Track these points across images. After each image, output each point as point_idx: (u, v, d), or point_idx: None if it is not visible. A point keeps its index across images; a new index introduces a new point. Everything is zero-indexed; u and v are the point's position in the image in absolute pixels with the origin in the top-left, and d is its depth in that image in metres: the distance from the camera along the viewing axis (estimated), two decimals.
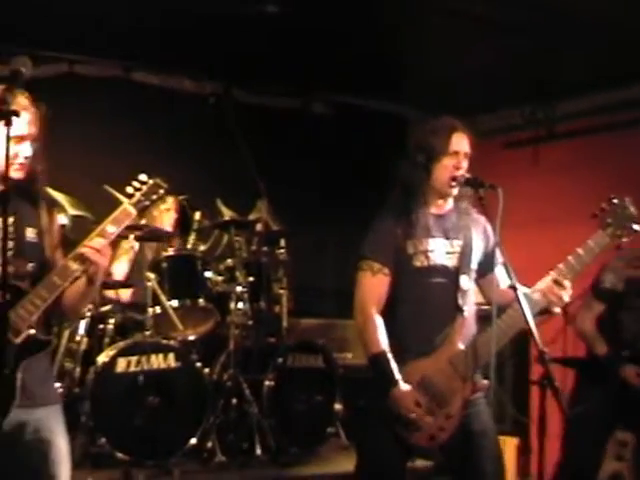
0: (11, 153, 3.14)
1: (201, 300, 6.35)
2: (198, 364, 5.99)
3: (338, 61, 7.48)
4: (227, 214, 7.08)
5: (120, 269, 6.80)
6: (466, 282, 4.02)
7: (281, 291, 6.77)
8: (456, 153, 4.02)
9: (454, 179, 4.01)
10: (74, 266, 3.22)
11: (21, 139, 3.23)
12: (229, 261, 6.74)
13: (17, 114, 2.95)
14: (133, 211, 3.36)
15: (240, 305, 6.46)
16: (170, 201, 6.88)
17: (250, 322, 6.54)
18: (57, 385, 5.98)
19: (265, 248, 7.05)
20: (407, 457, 4.08)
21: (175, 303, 6.27)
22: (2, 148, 3.08)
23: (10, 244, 3.20)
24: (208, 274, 6.49)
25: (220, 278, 6.60)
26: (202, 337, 6.50)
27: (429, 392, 3.85)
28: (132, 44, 7.24)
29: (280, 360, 6.33)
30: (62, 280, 3.21)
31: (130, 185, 3.42)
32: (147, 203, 3.42)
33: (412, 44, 7.38)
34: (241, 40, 7.11)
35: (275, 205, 7.93)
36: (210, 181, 7.99)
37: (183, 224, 7.05)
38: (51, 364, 3.54)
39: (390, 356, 3.85)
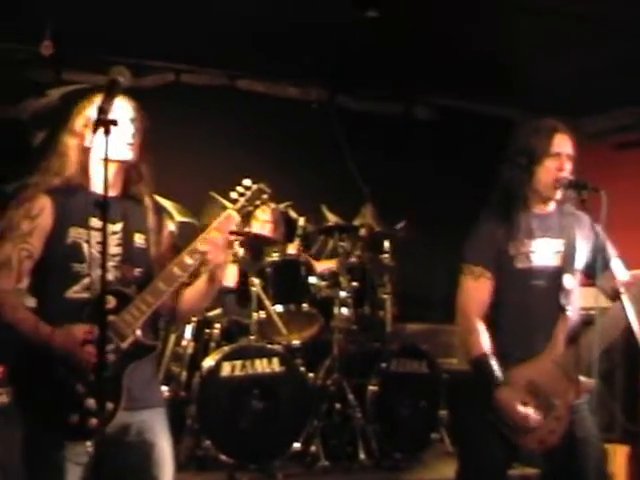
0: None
1: (305, 305, 6.35)
2: (302, 369, 6.01)
3: (441, 65, 7.42)
4: (332, 219, 7.10)
5: (229, 276, 6.88)
6: (570, 281, 3.94)
7: (385, 296, 6.74)
8: (558, 155, 3.95)
9: (557, 181, 3.94)
10: (178, 272, 3.26)
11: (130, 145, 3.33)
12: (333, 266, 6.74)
13: (115, 123, 3.00)
14: (237, 216, 3.40)
15: (344, 310, 6.46)
16: (268, 212, 6.92)
17: (354, 327, 6.53)
18: (164, 389, 6.13)
19: (369, 253, 7.02)
20: (511, 464, 4.03)
21: (279, 308, 6.30)
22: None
23: (118, 250, 3.32)
24: (312, 279, 6.50)
25: (324, 283, 6.60)
26: (306, 342, 6.51)
27: (537, 395, 3.80)
28: (237, 53, 7.33)
29: (384, 365, 6.29)
30: (167, 285, 3.25)
31: (234, 190, 3.45)
32: (251, 208, 3.44)
33: (517, 45, 7.27)
34: (344, 46, 7.13)
35: (380, 210, 7.92)
36: (315, 187, 8.02)
37: (288, 230, 7.08)
38: (157, 368, 3.59)
39: (493, 358, 3.82)
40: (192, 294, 3.46)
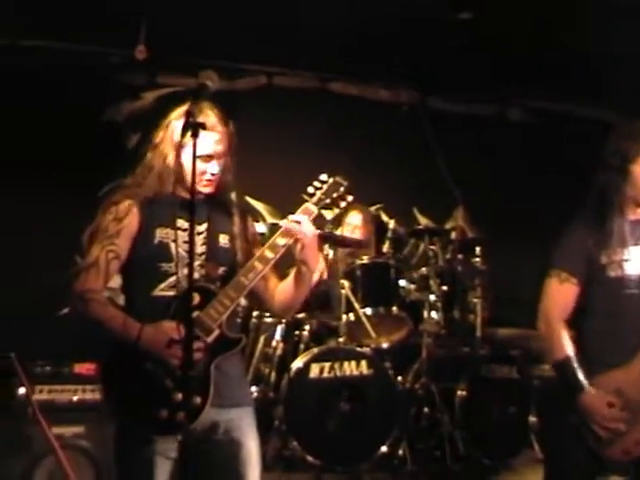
0: (198, 171, 3.27)
1: (394, 308, 6.35)
2: (390, 372, 5.99)
3: (534, 66, 7.32)
4: (423, 222, 7.06)
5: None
6: None
7: (476, 300, 6.66)
8: None
9: None
10: (260, 266, 3.30)
11: (209, 158, 3.36)
12: (423, 269, 6.70)
13: (204, 126, 3.04)
14: (314, 209, 3.43)
15: (433, 314, 6.43)
16: (359, 216, 6.91)
17: (443, 331, 6.49)
18: (253, 389, 6.19)
19: (460, 256, 6.96)
20: (600, 473, 3.94)
21: (369, 311, 6.30)
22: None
23: (203, 249, 3.38)
24: (402, 282, 6.48)
25: (413, 286, 6.57)
26: (395, 345, 6.50)
27: (624, 404, 3.70)
28: (329, 56, 7.35)
29: (473, 370, 6.24)
30: (249, 280, 3.30)
31: (311, 185, 3.49)
32: (328, 201, 3.48)
33: (614, 46, 7.12)
34: (436, 48, 7.09)
35: (472, 213, 7.86)
36: (407, 189, 8.01)
37: (378, 232, 7.07)
38: (245, 367, 3.63)
39: (576, 361, 3.75)
40: (283, 291, 3.51)
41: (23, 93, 6.78)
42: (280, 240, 3.33)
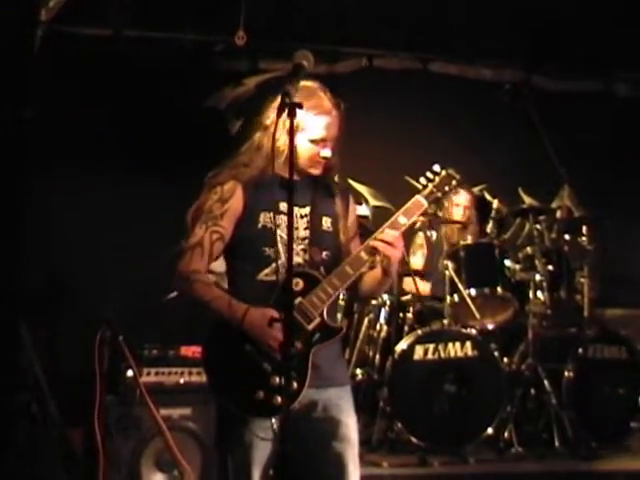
0: (311, 153, 3.32)
1: (499, 289, 6.26)
2: (496, 353, 5.95)
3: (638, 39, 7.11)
4: (528, 202, 6.97)
5: (417, 261, 6.91)
6: None
7: (583, 280, 6.53)
8: None
9: None
10: (366, 257, 3.29)
11: (322, 141, 3.33)
12: (528, 249, 6.60)
13: (301, 106, 3.01)
14: (425, 203, 3.37)
15: (539, 294, 6.33)
16: (462, 195, 6.85)
17: (549, 311, 6.37)
18: (357, 371, 6.22)
19: (567, 236, 6.84)
20: None
21: (473, 292, 6.24)
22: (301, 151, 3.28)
23: (306, 233, 3.36)
24: (507, 262, 6.40)
25: (519, 266, 6.48)
26: (500, 326, 6.43)
27: None
28: (429, 36, 7.31)
29: (581, 351, 6.13)
30: (354, 270, 3.28)
31: (423, 176, 3.42)
32: (439, 195, 3.42)
33: None
34: (539, 25, 6.98)
35: (580, 192, 7.71)
36: (511, 169, 7.92)
37: (482, 213, 7.00)
38: (343, 348, 3.63)
39: None
40: (370, 280, 3.47)
41: (127, 83, 6.92)
42: (387, 234, 3.28)
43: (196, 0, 6.47)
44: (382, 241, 3.26)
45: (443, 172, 3.42)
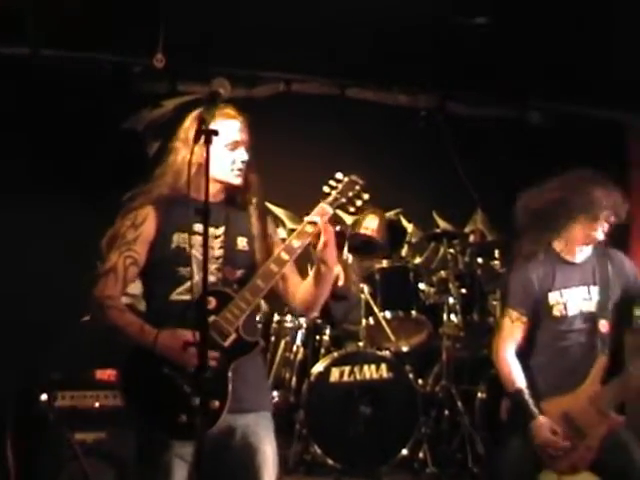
0: (229, 160, 3.37)
1: (414, 312, 6.37)
2: (411, 375, 6.03)
3: (554, 69, 7.30)
4: (443, 226, 7.09)
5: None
6: (604, 325, 4.19)
7: (495, 302, 6.68)
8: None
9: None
10: (275, 268, 3.31)
11: (236, 144, 3.39)
12: (442, 273, 6.73)
13: (216, 133, 3.05)
14: (330, 209, 3.40)
15: (452, 317, 6.46)
16: (371, 220, 6.95)
17: (462, 334, 6.50)
18: (274, 394, 6.24)
19: (479, 260, 6.98)
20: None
21: (388, 314, 6.33)
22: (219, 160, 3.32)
23: (220, 252, 3.39)
24: (421, 286, 6.51)
25: (433, 290, 6.60)
26: (415, 348, 6.53)
27: (570, 426, 4.07)
28: (347, 62, 7.38)
29: (493, 372, 6.22)
30: (265, 283, 3.30)
31: (327, 184, 3.47)
32: (344, 200, 3.45)
33: (630, 46, 7.11)
34: (454, 53, 7.10)
35: (492, 217, 7.86)
36: (426, 194, 8.03)
37: (396, 237, 7.10)
38: (264, 371, 3.64)
39: (527, 393, 4.14)
40: (304, 290, 3.50)
41: (44, 103, 6.85)
42: (295, 242, 3.32)
43: (115, 21, 6.43)
44: (309, 223, 3.32)
45: (346, 178, 3.48)
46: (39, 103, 6.86)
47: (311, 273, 3.46)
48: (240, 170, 3.41)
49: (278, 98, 7.75)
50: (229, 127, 3.35)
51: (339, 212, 3.52)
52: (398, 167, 7.92)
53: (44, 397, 4.99)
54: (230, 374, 3.24)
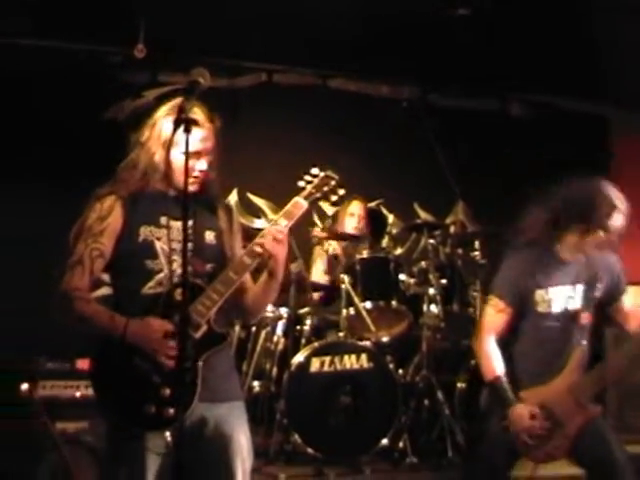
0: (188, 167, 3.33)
1: (394, 302, 6.39)
2: (391, 365, 6.03)
3: (535, 61, 7.34)
4: (424, 217, 7.10)
5: (315, 274, 6.99)
6: (586, 319, 4.26)
7: (475, 293, 6.71)
8: None
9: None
10: (248, 260, 3.32)
11: (197, 155, 3.37)
12: (423, 263, 6.75)
13: (196, 122, 3.09)
14: (305, 204, 3.44)
15: (433, 307, 6.48)
16: (355, 205, 6.99)
17: (443, 324, 6.51)
18: (255, 384, 6.25)
19: (460, 250, 7.01)
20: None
21: (368, 305, 6.34)
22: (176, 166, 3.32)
23: (189, 246, 3.32)
24: (401, 276, 6.52)
25: (413, 280, 6.62)
26: (395, 338, 6.56)
27: (548, 416, 4.09)
28: (329, 52, 7.39)
29: (473, 362, 6.26)
30: (237, 275, 3.30)
31: (302, 179, 3.51)
32: (319, 195, 3.49)
33: (614, 40, 7.15)
34: (436, 44, 7.12)
35: (473, 208, 7.89)
36: (408, 185, 8.05)
37: (377, 227, 7.13)
38: (233, 362, 3.63)
39: (505, 381, 4.17)
40: (256, 292, 3.50)
41: (23, 94, 6.84)
42: (272, 229, 3.34)
43: (96, 11, 6.41)
44: (267, 236, 3.31)
45: (321, 174, 3.52)
46: (19, 93, 6.84)
47: (261, 280, 3.47)
48: (196, 178, 3.40)
49: (260, 88, 7.76)
50: (192, 136, 3.23)
51: (322, 204, 3.55)
52: (379, 158, 7.97)
53: (25, 387, 4.98)
54: (200, 366, 3.23)
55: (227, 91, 7.37)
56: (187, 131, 3.03)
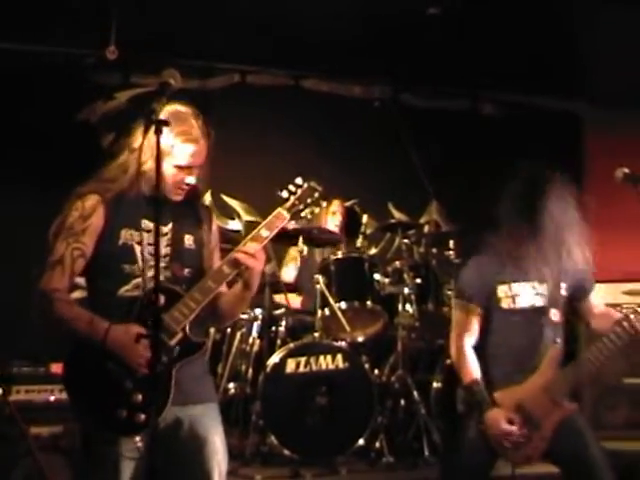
0: (177, 179, 3.33)
1: (369, 302, 6.37)
2: (366, 365, 6.02)
3: (506, 60, 7.36)
4: (398, 217, 7.10)
5: (289, 274, 6.99)
6: (556, 315, 4.21)
7: (449, 292, 6.71)
8: None
9: None
10: (227, 270, 3.29)
11: (188, 169, 3.35)
12: (397, 263, 6.75)
13: (167, 123, 3.04)
14: (287, 215, 3.41)
15: (408, 307, 6.48)
16: (336, 204, 7.01)
17: (417, 324, 6.51)
18: (230, 385, 6.23)
19: (434, 250, 7.02)
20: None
21: (343, 305, 6.33)
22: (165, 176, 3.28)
23: (168, 250, 3.35)
24: (376, 276, 6.51)
25: (388, 280, 6.62)
26: (370, 338, 6.55)
27: (525, 417, 4.04)
28: (301, 53, 7.40)
29: (448, 361, 6.26)
30: (216, 284, 3.28)
31: (286, 189, 3.46)
32: (301, 207, 3.46)
33: (585, 38, 7.19)
34: (408, 44, 7.14)
35: (446, 207, 7.90)
36: (381, 185, 8.07)
37: (351, 228, 7.13)
38: (207, 366, 3.61)
39: (481, 384, 4.11)
40: (230, 297, 3.48)
41: None
42: (252, 244, 3.30)
43: (68, 13, 6.38)
44: (244, 253, 3.26)
45: (305, 185, 3.49)
46: None
47: (234, 289, 3.45)
48: (183, 190, 3.38)
49: (232, 89, 7.75)
50: (185, 150, 3.29)
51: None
52: (353, 158, 7.98)
53: None
54: (174, 373, 3.21)
55: (199, 92, 7.36)
56: (158, 132, 2.99)
